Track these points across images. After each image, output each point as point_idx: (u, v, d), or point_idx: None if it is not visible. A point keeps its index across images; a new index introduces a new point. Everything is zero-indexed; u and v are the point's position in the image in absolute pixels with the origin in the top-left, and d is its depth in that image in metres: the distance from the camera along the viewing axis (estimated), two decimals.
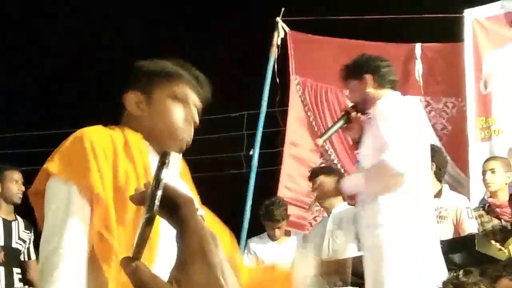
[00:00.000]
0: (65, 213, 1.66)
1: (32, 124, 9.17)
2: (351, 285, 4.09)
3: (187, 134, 1.89)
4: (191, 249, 0.73)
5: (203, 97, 1.94)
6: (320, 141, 3.85)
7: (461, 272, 2.65)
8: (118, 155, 1.71)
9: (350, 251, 4.57)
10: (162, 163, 0.74)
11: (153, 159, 1.80)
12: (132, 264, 0.73)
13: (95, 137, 1.72)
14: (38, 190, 1.76)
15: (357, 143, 3.68)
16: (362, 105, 3.66)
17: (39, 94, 10.43)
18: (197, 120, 1.91)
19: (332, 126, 3.84)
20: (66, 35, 10.19)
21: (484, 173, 5.02)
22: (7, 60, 9.95)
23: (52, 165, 1.71)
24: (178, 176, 1.89)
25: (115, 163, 1.70)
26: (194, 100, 1.91)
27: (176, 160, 1.90)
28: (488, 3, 6.29)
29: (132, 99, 1.88)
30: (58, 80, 10.19)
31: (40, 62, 10.15)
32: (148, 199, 0.72)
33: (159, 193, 0.72)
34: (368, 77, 3.64)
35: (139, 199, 0.78)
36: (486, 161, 5.19)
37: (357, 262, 4.03)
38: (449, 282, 2.70)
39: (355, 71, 3.69)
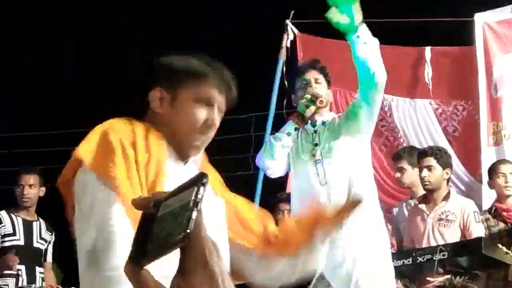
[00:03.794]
0: (106, 200, 1.65)
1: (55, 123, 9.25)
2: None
3: (205, 137, 1.84)
4: (194, 257, 0.75)
5: (229, 99, 1.88)
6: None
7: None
8: (137, 149, 1.70)
9: None
10: (202, 184, 0.75)
11: (169, 159, 1.78)
12: (137, 272, 0.75)
13: (120, 130, 1.71)
14: (67, 179, 1.74)
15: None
16: (323, 106, 3.78)
17: (59, 93, 10.51)
18: (217, 123, 1.85)
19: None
20: (81, 36, 10.25)
21: (503, 175, 4.95)
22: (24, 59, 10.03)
23: (84, 155, 1.69)
24: (197, 169, 1.87)
25: (136, 157, 1.69)
26: (219, 102, 1.85)
27: (197, 156, 1.88)
28: (498, 7, 6.28)
29: (156, 96, 1.84)
30: (77, 79, 10.26)
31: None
32: (185, 218, 0.73)
33: (195, 213, 0.74)
34: (331, 91, 3.94)
35: (141, 204, 0.80)
36: (506, 163, 5.14)
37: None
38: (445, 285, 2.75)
39: (329, 76, 3.88)
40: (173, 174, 1.75)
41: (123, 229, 1.61)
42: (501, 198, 4.97)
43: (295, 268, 1.95)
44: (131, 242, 1.56)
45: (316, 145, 3.72)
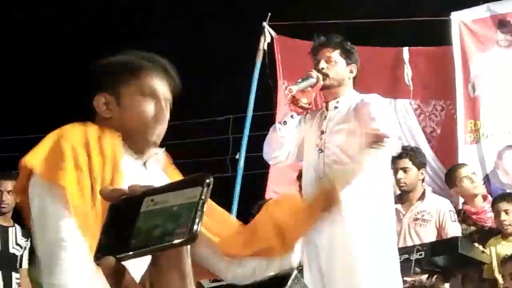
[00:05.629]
0: (55, 212, 1.66)
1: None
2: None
3: (159, 130, 1.86)
4: (169, 255, 0.74)
5: (172, 87, 1.90)
6: (294, 88, 3.30)
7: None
8: (91, 153, 1.69)
9: None
10: (207, 185, 0.72)
11: (128, 158, 1.79)
12: (121, 271, 0.73)
13: (72, 135, 1.71)
14: (23, 187, 1.75)
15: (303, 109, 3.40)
16: (334, 85, 3.43)
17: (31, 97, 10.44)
18: (167, 114, 1.87)
19: (305, 79, 3.35)
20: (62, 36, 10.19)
21: (467, 178, 4.96)
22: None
23: (34, 163, 1.69)
24: (160, 170, 1.88)
25: (89, 159, 1.68)
26: (163, 92, 1.86)
27: (159, 156, 1.88)
28: (474, 6, 6.31)
29: (100, 101, 1.85)
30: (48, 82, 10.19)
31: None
32: (190, 218, 0.70)
33: (201, 215, 0.71)
34: (354, 67, 3.49)
35: (110, 196, 0.77)
36: (463, 167, 5.15)
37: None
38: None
39: (350, 51, 3.49)
40: (132, 173, 1.74)
41: (74, 245, 1.62)
42: (470, 200, 4.96)
43: (270, 266, 1.94)
44: (81, 259, 1.57)
45: (322, 132, 3.41)
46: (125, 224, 0.73)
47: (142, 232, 0.72)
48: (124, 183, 1.68)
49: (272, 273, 1.98)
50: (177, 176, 1.91)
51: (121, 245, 0.73)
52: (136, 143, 1.83)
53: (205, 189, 0.72)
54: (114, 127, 1.80)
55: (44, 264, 1.66)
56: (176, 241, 0.70)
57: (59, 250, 1.62)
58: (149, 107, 1.84)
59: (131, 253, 0.72)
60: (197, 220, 0.70)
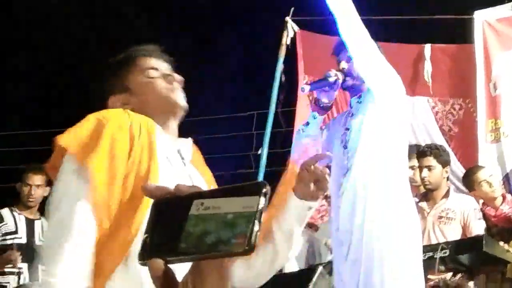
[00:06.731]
0: (76, 193, 1.64)
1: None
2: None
3: (177, 96, 1.90)
4: (211, 260, 0.73)
5: (166, 61, 1.98)
6: (306, 88, 3.36)
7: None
8: (134, 139, 1.71)
9: None
10: (265, 195, 0.70)
11: (161, 137, 1.79)
12: (171, 274, 0.73)
13: (116, 122, 1.72)
14: (55, 165, 1.74)
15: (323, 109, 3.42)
16: (356, 84, 3.39)
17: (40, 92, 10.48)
18: (176, 76, 1.93)
19: (323, 79, 3.36)
20: (66, 34, 10.21)
21: (485, 181, 4.88)
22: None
23: (70, 143, 1.69)
24: (189, 163, 1.88)
25: (130, 150, 1.69)
26: (162, 66, 1.95)
27: (187, 146, 1.89)
28: (498, 4, 6.28)
29: (116, 104, 1.89)
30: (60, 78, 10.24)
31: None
32: (248, 229, 0.69)
33: (257, 225, 0.69)
34: None
35: (154, 194, 0.77)
36: (481, 169, 5.12)
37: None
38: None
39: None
40: (170, 166, 1.76)
41: (82, 237, 1.60)
42: (489, 202, 4.90)
43: (270, 263, 1.92)
44: (84, 248, 1.54)
45: (347, 129, 3.38)
46: (172, 226, 0.72)
47: (192, 237, 0.70)
48: (160, 170, 1.70)
49: (272, 273, 1.98)
50: (207, 173, 1.92)
51: (169, 247, 0.71)
52: (166, 114, 1.87)
53: (262, 198, 0.70)
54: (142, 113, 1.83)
55: (45, 250, 1.65)
56: (233, 251, 0.68)
57: (63, 242, 1.58)
58: (159, 81, 1.90)
59: (182, 257, 0.71)
60: (255, 232, 0.68)
